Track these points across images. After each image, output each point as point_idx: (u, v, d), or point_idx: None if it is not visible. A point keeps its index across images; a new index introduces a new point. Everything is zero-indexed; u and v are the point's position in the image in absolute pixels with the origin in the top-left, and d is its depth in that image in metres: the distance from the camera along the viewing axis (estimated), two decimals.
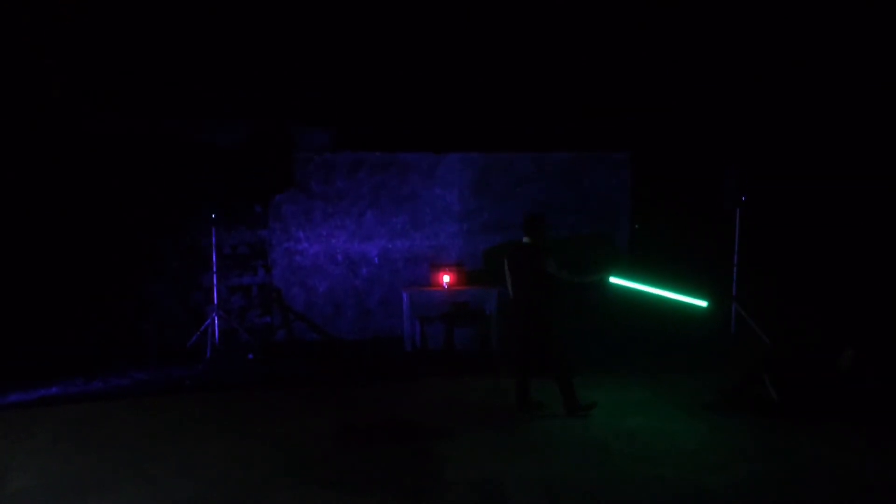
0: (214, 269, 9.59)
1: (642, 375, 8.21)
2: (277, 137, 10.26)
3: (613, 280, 6.97)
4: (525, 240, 6.87)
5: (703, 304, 7.03)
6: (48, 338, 9.23)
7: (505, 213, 10.76)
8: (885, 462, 5.65)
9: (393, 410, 7.11)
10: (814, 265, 12.60)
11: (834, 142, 12.60)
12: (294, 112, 10.55)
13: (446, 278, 9.92)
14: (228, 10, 10.06)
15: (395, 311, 10.47)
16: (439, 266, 10.12)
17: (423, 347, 9.67)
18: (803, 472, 5.43)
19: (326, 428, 6.52)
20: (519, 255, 6.89)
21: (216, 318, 9.51)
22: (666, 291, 7.08)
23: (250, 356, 9.27)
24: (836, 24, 11.94)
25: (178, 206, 9.82)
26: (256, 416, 6.95)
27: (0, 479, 5.35)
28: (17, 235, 9.22)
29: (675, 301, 7.07)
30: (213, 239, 9.52)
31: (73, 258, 9.46)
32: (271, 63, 10.54)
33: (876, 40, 11.90)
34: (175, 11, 9.82)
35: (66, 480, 5.35)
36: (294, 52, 10.71)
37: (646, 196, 11.26)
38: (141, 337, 9.73)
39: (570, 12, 11.60)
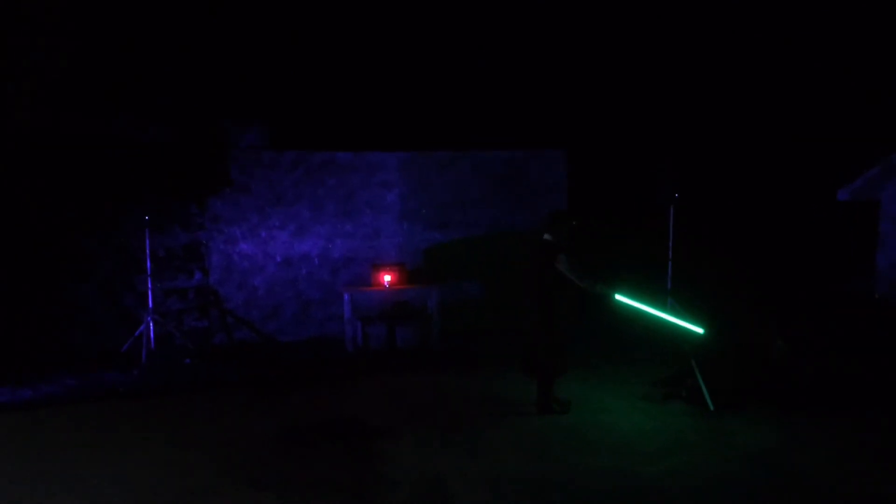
0: (149, 271, 9.35)
1: (581, 369, 8.35)
2: (213, 136, 10.06)
3: (619, 298, 6.83)
4: (546, 236, 6.68)
5: (700, 330, 7.03)
6: None
7: (445, 212, 10.81)
8: (812, 449, 5.89)
9: (335, 411, 7.07)
10: (746, 259, 13.04)
11: (767, 136, 13.06)
12: (230, 110, 10.38)
13: (387, 278, 9.91)
14: (164, 6, 9.84)
15: (335, 312, 10.40)
16: (380, 265, 10.09)
17: (365, 347, 9.63)
18: (735, 460, 5.63)
19: (267, 431, 6.44)
20: (537, 251, 6.67)
21: (151, 322, 9.27)
22: (667, 315, 7.12)
23: (187, 360, 9.08)
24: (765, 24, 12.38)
25: (109, 207, 9.53)
26: (194, 420, 6.81)
27: None
28: None
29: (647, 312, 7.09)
30: (147, 241, 9.28)
31: None
32: (206, 60, 10.35)
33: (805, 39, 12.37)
34: (106, 5, 9.55)
35: None
36: (230, 49, 10.54)
37: (582, 192, 11.46)
38: (72, 342, 9.42)
39: (507, 13, 11.73)
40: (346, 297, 9.75)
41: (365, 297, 9.87)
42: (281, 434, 6.38)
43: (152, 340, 9.27)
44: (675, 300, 10.38)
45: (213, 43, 10.28)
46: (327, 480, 5.33)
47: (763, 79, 13.89)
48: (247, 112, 10.43)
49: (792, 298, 11.81)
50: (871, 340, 9.55)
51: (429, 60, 11.86)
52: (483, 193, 10.92)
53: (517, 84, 12.17)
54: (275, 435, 6.35)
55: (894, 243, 11.83)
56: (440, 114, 11.60)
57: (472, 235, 10.88)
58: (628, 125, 12.64)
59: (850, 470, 5.40)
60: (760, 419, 6.58)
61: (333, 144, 10.57)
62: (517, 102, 12.00)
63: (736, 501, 4.90)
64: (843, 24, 13.61)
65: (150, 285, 9.33)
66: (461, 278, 10.83)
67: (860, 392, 7.35)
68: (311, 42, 10.95)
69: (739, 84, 13.75)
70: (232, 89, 10.50)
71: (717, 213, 13.19)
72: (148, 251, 9.28)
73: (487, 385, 7.83)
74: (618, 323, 10.58)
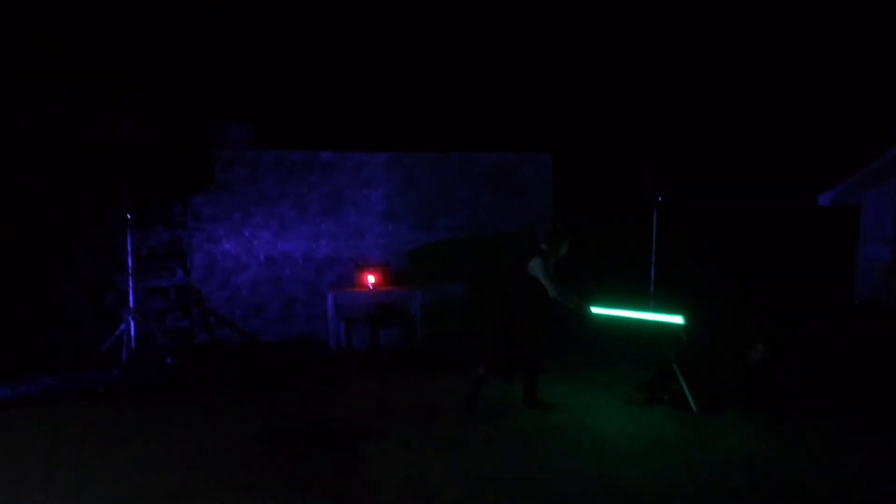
0: (130, 270, 9.26)
1: (565, 372, 8.36)
2: (197, 135, 9.99)
3: (595, 310, 6.96)
4: (542, 246, 6.80)
5: (680, 320, 7.04)
6: None
7: (431, 214, 10.80)
8: (795, 453, 5.93)
9: (318, 412, 7.03)
10: (729, 262, 13.12)
11: (749, 141, 13.14)
12: (215, 110, 10.31)
13: (371, 278, 9.88)
14: (148, 5, 9.76)
15: (319, 313, 10.36)
16: (364, 266, 10.06)
17: (349, 348, 9.59)
18: (717, 463, 5.65)
19: (249, 432, 6.39)
20: (528, 259, 6.80)
21: (132, 322, 9.18)
22: (645, 314, 7.15)
23: (168, 360, 9.00)
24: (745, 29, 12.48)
25: (91, 206, 9.44)
26: (175, 421, 6.74)
27: None
28: None
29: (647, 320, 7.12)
30: (129, 239, 9.19)
31: None
32: (192, 59, 10.28)
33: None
34: (90, 4, 9.46)
35: None
36: (215, 47, 10.47)
37: (569, 196, 11.48)
38: (51, 342, 9.31)
39: (496, 14, 11.75)
40: (329, 297, 9.70)
41: (349, 297, 9.84)
42: (263, 435, 6.32)
43: (133, 340, 9.18)
44: (658, 303, 10.45)
45: (198, 41, 10.20)
46: (310, 482, 5.29)
47: (747, 83, 13.99)
48: (231, 111, 10.37)
49: (773, 302, 11.91)
50: (849, 346, 9.65)
51: (416, 61, 11.84)
52: (470, 195, 10.91)
53: (505, 87, 12.19)
54: (257, 436, 6.30)
55: (874, 248, 11.96)
56: (427, 115, 11.58)
57: (457, 237, 10.87)
58: (613, 129, 12.69)
59: (832, 473, 5.43)
60: (743, 422, 6.62)
61: (318, 144, 10.53)
62: (505, 105, 12.01)
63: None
64: (826, 26, 13.75)
65: (131, 284, 9.25)
66: (446, 280, 10.82)
67: (840, 396, 7.42)
68: (297, 41, 10.90)
69: (723, 89, 13.84)
70: (216, 88, 10.43)
71: (700, 216, 13.26)
72: (130, 250, 9.20)
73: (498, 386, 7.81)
74: (601, 326, 10.62)
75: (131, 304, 9.24)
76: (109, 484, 5.26)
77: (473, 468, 5.54)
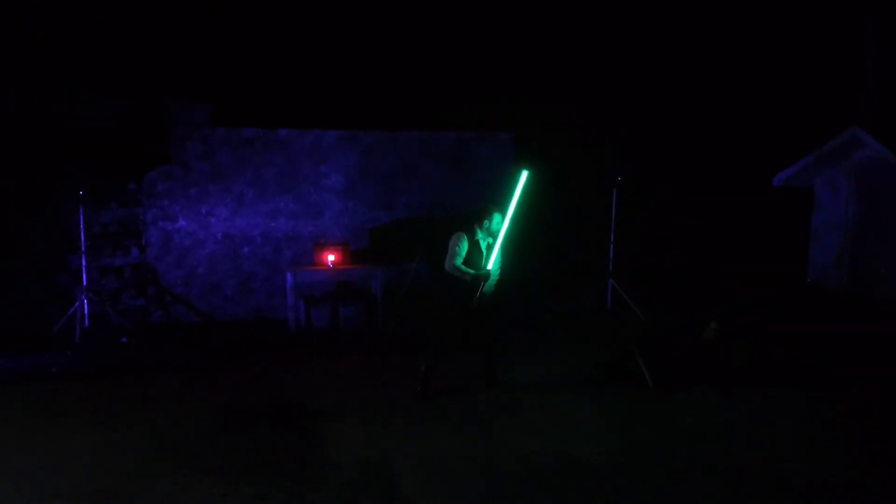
0: (83, 248, 9.04)
1: (523, 351, 8.44)
2: (152, 112, 9.74)
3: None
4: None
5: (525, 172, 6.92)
6: None
7: (391, 193, 10.73)
8: (742, 427, 6.10)
9: (277, 392, 6.99)
10: (685, 242, 13.36)
11: (707, 122, 13.34)
12: (170, 86, 10.06)
13: (331, 257, 9.80)
14: None
15: (278, 292, 10.27)
16: (324, 245, 9.97)
17: (308, 328, 9.53)
18: (672, 439, 5.79)
19: (206, 412, 6.34)
20: None
21: (86, 301, 8.99)
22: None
23: (124, 340, 8.83)
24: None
25: (43, 183, 9.17)
26: (131, 402, 6.65)
27: None
28: None
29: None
30: (81, 217, 8.96)
31: None
32: (146, 34, 10.01)
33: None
34: None
35: None
36: (171, 23, 10.21)
37: (529, 176, 11.52)
38: (1, 322, 9.07)
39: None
40: (289, 276, 9.62)
41: (308, 276, 9.76)
42: (221, 415, 6.28)
43: (87, 319, 8.99)
44: (616, 283, 10.62)
45: (155, 18, 9.93)
46: (269, 462, 5.28)
47: (704, 65, 14.16)
48: (188, 88, 10.14)
49: (726, 281, 12.17)
50: (800, 323, 9.92)
51: (376, 38, 11.71)
52: (430, 174, 10.86)
53: (466, 65, 12.14)
54: (215, 416, 6.25)
55: (826, 230, 12.26)
56: (386, 93, 11.48)
57: (418, 216, 10.84)
58: (576, 109, 12.75)
59: (772, 446, 5.61)
60: (698, 400, 6.77)
61: (277, 121, 10.35)
62: (466, 83, 11.97)
63: (676, 480, 5.03)
64: (788, 11, 13.96)
65: (84, 263, 9.03)
66: (407, 259, 10.78)
67: (790, 373, 7.64)
68: (255, 18, 10.68)
69: (681, 70, 13.99)
70: (173, 64, 10.18)
71: (657, 197, 13.47)
72: (83, 228, 8.97)
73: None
74: (561, 307, 10.77)
75: (84, 283, 9.03)
76: (66, 467, 5.18)
77: (435, 448, 5.58)
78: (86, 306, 8.99)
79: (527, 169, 6.83)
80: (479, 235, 6.73)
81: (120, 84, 9.66)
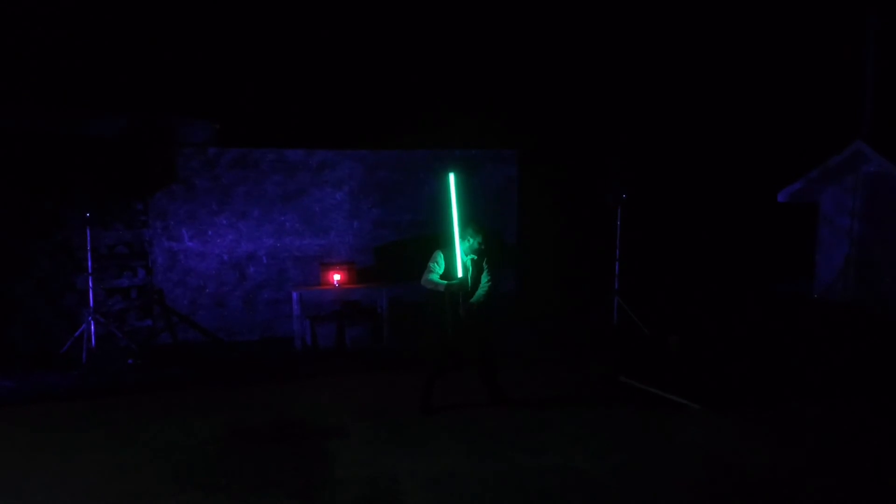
0: (90, 270, 9.08)
1: (528, 367, 8.41)
2: (159, 132, 9.81)
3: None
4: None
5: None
6: None
7: (396, 211, 10.76)
8: (749, 442, 6.06)
9: (283, 411, 6.97)
10: (690, 258, 13.33)
11: (712, 139, 13.36)
12: (177, 105, 10.14)
13: (337, 276, 9.82)
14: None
15: (284, 311, 10.27)
16: (330, 264, 10.00)
17: (314, 347, 9.53)
18: (676, 455, 5.75)
19: (213, 432, 6.32)
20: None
21: (92, 322, 9.01)
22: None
23: (130, 361, 8.85)
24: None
25: (49, 203, 9.23)
26: (137, 422, 6.64)
27: None
28: None
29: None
30: (88, 238, 9.00)
31: None
32: (153, 54, 10.11)
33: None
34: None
35: None
36: (178, 43, 10.31)
37: (533, 193, 11.57)
38: (8, 343, 9.09)
39: (461, 15, 11.76)
40: (294, 296, 9.63)
41: (314, 296, 9.77)
42: (227, 435, 6.26)
43: (93, 340, 9.01)
44: (621, 300, 10.60)
45: (162, 38, 10.03)
46: (275, 482, 5.26)
47: (709, 82, 14.21)
48: (195, 109, 10.21)
49: (716, 296, 12.16)
50: (805, 338, 9.89)
51: (381, 60, 11.80)
52: (435, 192, 10.89)
53: (470, 83, 12.20)
54: (221, 436, 6.23)
55: (832, 245, 12.23)
56: (393, 113, 11.55)
57: (423, 234, 10.86)
58: (580, 126, 12.80)
59: (787, 464, 5.57)
60: (700, 416, 6.72)
61: (283, 142, 10.42)
62: (470, 102, 12.03)
63: (683, 501, 4.99)
64: (787, 26, 14.02)
65: (91, 284, 9.07)
66: (412, 278, 10.78)
67: (795, 387, 7.58)
68: (262, 39, 10.78)
69: (686, 87, 14.04)
70: (180, 85, 10.27)
71: (663, 214, 13.47)
72: (89, 249, 9.01)
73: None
74: (566, 323, 10.74)
75: (91, 304, 9.06)
76: (72, 487, 5.17)
77: (440, 466, 5.55)
78: (92, 327, 9.01)
79: (453, 172, 6.80)
80: (462, 252, 6.73)
81: (126, 104, 9.73)
